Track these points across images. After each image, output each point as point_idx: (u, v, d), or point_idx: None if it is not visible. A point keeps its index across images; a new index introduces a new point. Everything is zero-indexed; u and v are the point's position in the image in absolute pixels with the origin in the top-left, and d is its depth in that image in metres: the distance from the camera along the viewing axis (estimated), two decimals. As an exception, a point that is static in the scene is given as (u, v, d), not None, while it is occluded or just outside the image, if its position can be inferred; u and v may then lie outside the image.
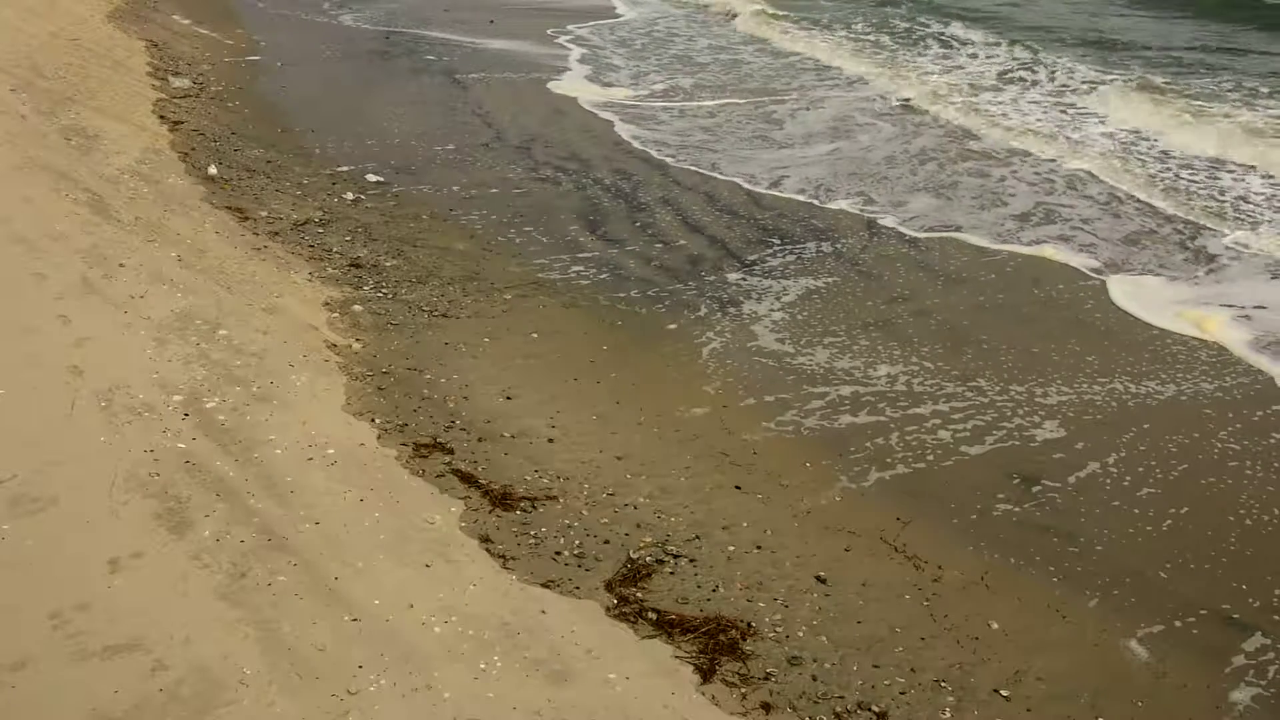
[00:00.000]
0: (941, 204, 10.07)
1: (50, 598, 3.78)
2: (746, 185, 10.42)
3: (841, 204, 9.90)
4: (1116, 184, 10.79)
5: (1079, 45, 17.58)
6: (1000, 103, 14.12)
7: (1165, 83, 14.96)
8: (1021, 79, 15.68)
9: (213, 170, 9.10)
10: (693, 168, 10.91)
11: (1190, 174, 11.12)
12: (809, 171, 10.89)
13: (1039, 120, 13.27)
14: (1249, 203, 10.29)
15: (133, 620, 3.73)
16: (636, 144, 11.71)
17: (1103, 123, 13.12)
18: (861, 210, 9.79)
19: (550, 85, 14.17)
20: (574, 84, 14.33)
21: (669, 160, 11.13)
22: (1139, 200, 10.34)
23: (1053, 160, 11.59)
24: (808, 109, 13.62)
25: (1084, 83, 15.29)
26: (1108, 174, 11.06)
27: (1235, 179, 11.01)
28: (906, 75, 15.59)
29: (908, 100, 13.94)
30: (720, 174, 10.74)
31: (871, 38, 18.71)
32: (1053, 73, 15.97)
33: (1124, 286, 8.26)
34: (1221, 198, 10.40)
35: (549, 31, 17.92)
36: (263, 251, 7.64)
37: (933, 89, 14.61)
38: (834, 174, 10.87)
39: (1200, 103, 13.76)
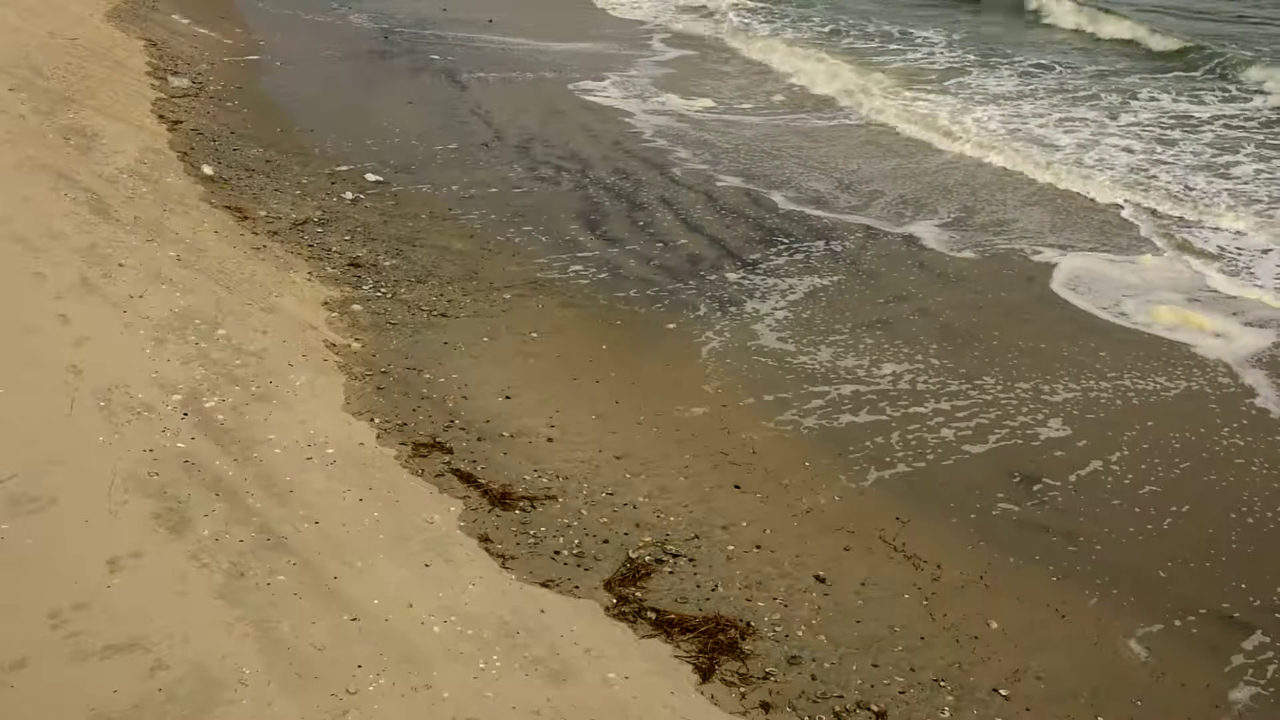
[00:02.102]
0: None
1: (49, 597, 3.78)
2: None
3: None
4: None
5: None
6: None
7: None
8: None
9: (207, 170, 9.08)
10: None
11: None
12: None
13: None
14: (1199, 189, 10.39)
15: (132, 620, 3.73)
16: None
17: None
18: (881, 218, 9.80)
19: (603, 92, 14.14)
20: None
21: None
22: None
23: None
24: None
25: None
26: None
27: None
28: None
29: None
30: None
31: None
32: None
33: (1119, 280, 8.30)
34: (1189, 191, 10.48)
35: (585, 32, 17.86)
36: (262, 251, 7.64)
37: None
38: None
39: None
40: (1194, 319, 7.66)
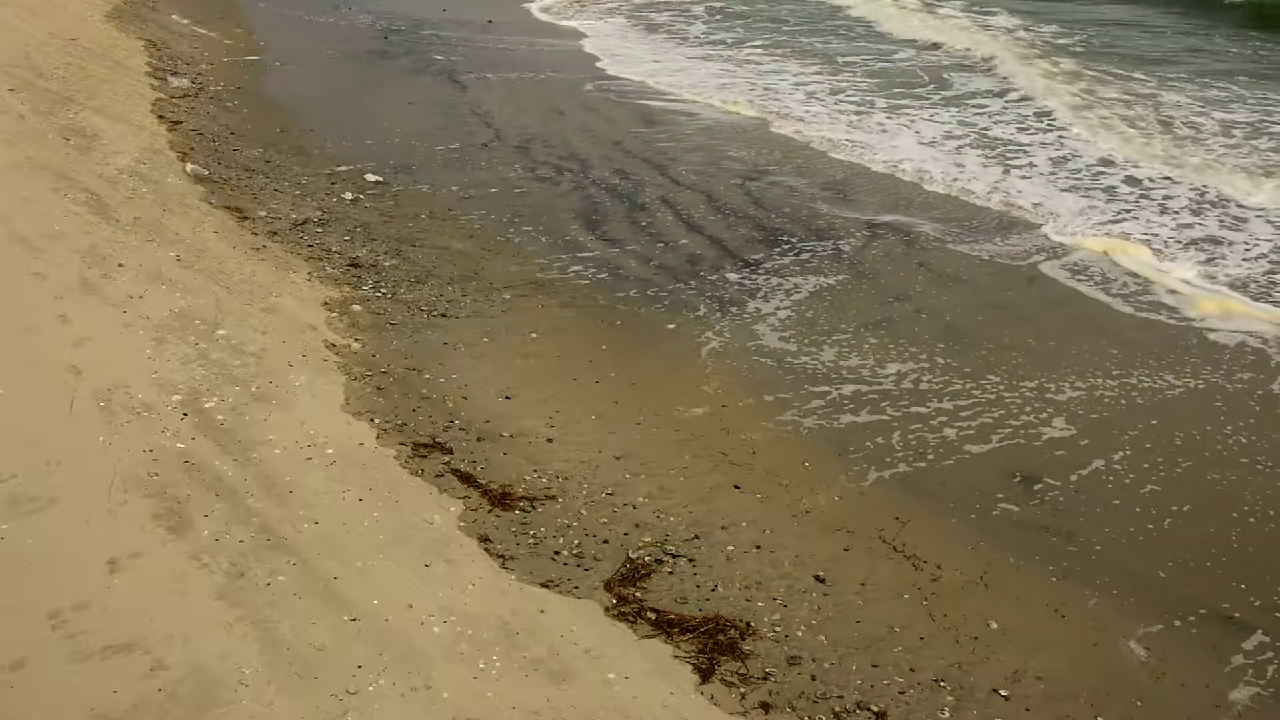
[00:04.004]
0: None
1: (49, 597, 3.78)
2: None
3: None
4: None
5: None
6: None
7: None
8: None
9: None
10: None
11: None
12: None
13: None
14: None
15: (132, 620, 3.73)
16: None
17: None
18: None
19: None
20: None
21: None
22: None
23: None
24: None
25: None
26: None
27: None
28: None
29: None
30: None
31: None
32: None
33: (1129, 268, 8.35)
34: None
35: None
36: (261, 251, 7.64)
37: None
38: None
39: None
40: (1229, 305, 7.71)
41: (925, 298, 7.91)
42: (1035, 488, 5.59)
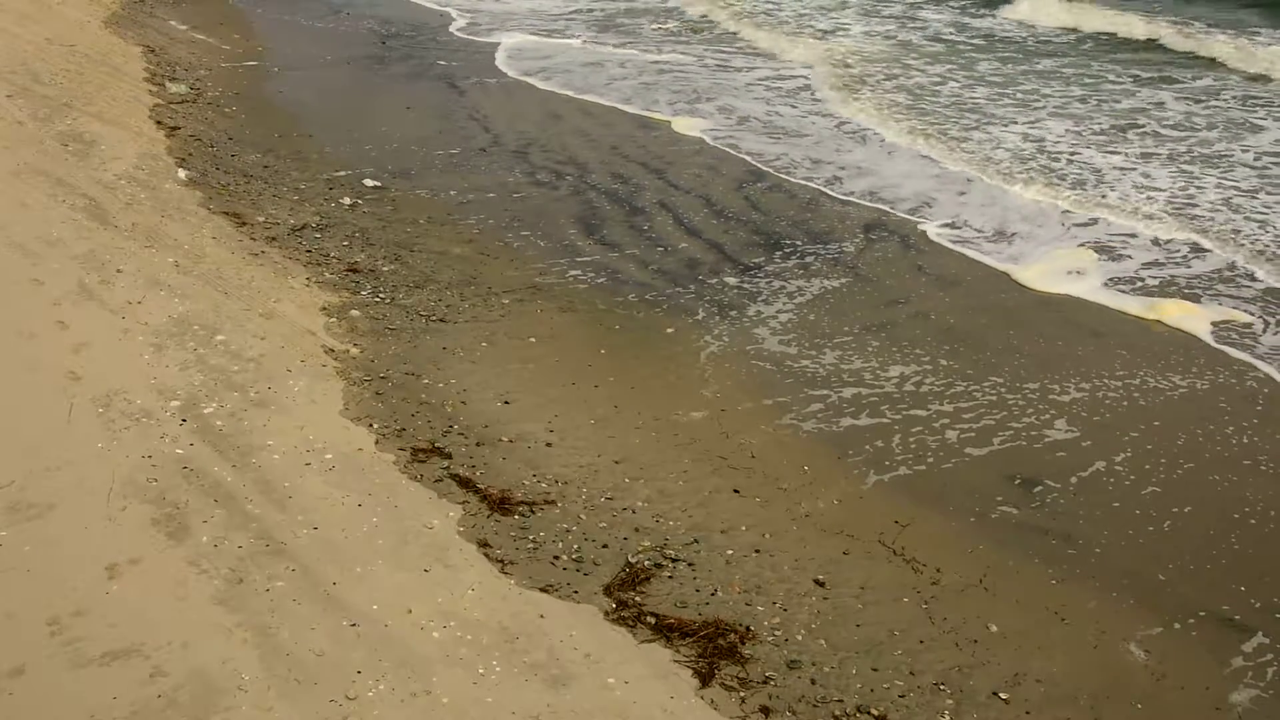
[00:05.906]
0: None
1: (48, 604, 3.78)
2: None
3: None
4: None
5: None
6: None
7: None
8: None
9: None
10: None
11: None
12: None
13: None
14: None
15: (131, 626, 3.73)
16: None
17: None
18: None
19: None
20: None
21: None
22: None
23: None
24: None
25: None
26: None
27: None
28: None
29: None
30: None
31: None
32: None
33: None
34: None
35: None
36: (260, 257, 7.64)
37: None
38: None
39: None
40: (1188, 308, 7.72)
41: (926, 300, 7.91)
42: (1035, 490, 5.59)
